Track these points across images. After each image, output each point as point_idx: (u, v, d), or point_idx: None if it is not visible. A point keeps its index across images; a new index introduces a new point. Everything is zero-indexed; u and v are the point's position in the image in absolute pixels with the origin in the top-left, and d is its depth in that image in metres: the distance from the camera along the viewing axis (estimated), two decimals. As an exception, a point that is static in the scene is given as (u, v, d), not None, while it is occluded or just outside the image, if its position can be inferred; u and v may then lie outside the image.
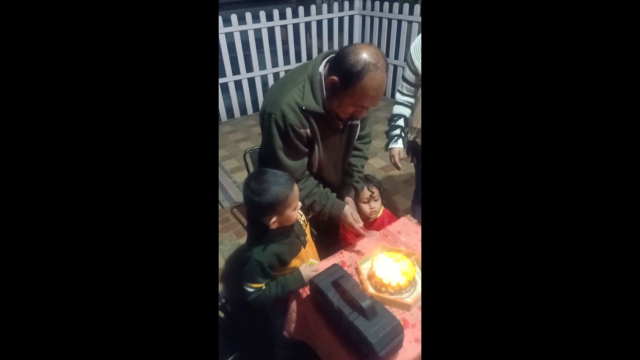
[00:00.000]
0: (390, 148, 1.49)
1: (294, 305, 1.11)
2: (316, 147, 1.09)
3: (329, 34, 3.79)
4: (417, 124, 1.48)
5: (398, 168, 1.50)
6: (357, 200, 1.38)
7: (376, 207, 1.39)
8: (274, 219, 0.94)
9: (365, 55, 0.89)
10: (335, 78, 0.93)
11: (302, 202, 1.13)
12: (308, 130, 1.03)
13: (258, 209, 0.94)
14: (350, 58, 0.89)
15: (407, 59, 1.40)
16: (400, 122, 1.47)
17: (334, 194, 1.21)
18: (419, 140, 1.49)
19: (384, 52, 3.70)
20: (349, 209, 1.19)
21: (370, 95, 0.94)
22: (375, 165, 2.74)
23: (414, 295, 1.01)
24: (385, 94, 3.98)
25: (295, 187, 0.97)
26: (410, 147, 1.55)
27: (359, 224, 1.19)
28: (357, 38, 3.95)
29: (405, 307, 0.99)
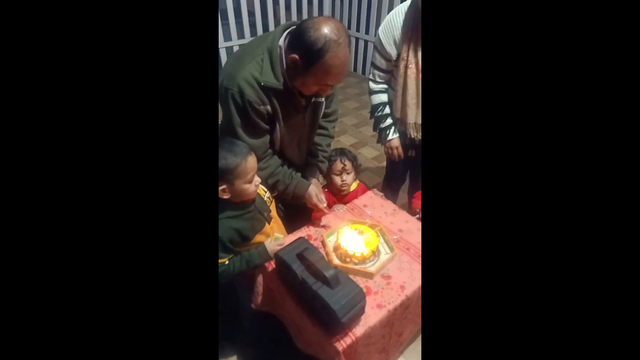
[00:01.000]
0: (388, 140, 1.43)
1: (260, 278, 1.12)
2: (277, 125, 1.05)
3: (298, 6, 3.65)
4: (410, 117, 1.37)
5: (400, 158, 1.45)
6: (329, 172, 1.37)
7: (348, 180, 1.39)
8: (222, 187, 0.91)
9: (325, 31, 0.84)
10: (296, 56, 0.88)
11: (266, 181, 1.11)
12: (268, 107, 0.98)
13: None
14: (310, 34, 0.84)
15: (376, 44, 1.32)
16: (387, 109, 1.40)
17: (298, 174, 1.19)
18: (417, 136, 1.39)
19: (355, 26, 3.63)
20: (313, 189, 1.18)
21: (334, 73, 0.89)
22: (367, 155, 2.62)
23: (377, 265, 1.05)
24: (356, 71, 3.94)
25: (250, 159, 0.93)
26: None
27: (323, 204, 1.18)
28: (327, 11, 3.84)
29: (369, 275, 1.02)
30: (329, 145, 1.31)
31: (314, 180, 1.23)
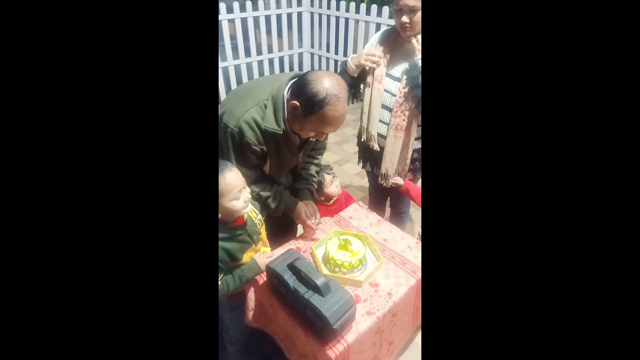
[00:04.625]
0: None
1: (251, 293, 1.13)
2: (269, 160, 1.11)
3: (278, 31, 3.79)
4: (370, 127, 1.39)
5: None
6: (323, 189, 1.43)
7: (339, 185, 1.49)
8: None
9: (327, 85, 0.91)
10: (297, 103, 0.95)
11: (259, 194, 1.15)
12: (264, 147, 1.06)
13: None
14: (312, 86, 0.91)
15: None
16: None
17: (287, 192, 1.26)
18: (373, 145, 1.41)
19: (334, 50, 3.80)
20: (302, 206, 1.23)
21: (331, 124, 0.96)
22: (350, 171, 2.69)
23: (365, 273, 1.08)
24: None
25: (229, 176, 0.92)
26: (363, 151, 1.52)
27: (311, 221, 1.23)
28: (306, 35, 4.00)
29: (357, 284, 1.05)
30: (317, 172, 1.38)
31: (305, 201, 1.29)
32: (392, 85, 1.30)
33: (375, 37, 1.38)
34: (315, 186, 1.39)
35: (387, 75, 1.30)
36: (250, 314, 1.14)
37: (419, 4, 1.13)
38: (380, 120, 1.36)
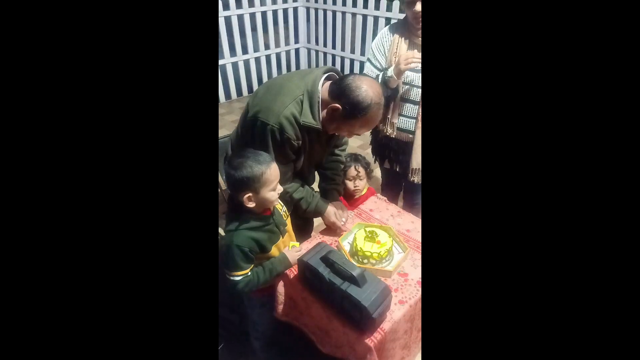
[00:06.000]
0: None
1: (280, 287, 1.13)
2: (303, 154, 1.14)
3: (275, 27, 3.76)
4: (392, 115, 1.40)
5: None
6: (343, 177, 1.45)
7: (360, 186, 1.47)
8: (248, 195, 0.94)
9: (371, 93, 0.96)
10: (339, 106, 0.99)
11: (291, 196, 1.18)
12: (300, 142, 1.08)
13: (234, 183, 0.95)
14: (357, 93, 0.96)
15: (369, 56, 1.39)
16: None
17: (318, 193, 1.29)
18: (391, 133, 1.43)
19: (330, 44, 3.79)
20: (332, 209, 1.26)
21: (368, 127, 1.05)
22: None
23: (393, 264, 1.10)
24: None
25: (274, 167, 0.98)
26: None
27: (340, 222, 1.25)
28: (302, 31, 3.98)
29: (387, 274, 1.07)
30: (341, 169, 1.41)
31: (334, 202, 1.32)
32: (414, 77, 1.31)
33: (385, 32, 1.38)
34: (342, 186, 1.41)
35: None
36: (280, 308, 1.15)
37: None
38: (402, 115, 1.37)
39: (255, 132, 1.07)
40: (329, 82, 1.05)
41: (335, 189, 1.38)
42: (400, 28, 1.35)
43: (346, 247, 1.17)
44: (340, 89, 0.99)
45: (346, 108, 0.98)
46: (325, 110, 1.03)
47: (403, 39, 1.33)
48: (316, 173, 1.39)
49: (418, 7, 1.19)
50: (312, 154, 1.18)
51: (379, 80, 1.33)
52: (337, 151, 1.36)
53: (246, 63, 3.73)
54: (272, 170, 0.96)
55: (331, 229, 1.27)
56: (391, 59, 1.34)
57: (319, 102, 1.02)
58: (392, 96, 1.34)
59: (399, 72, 1.25)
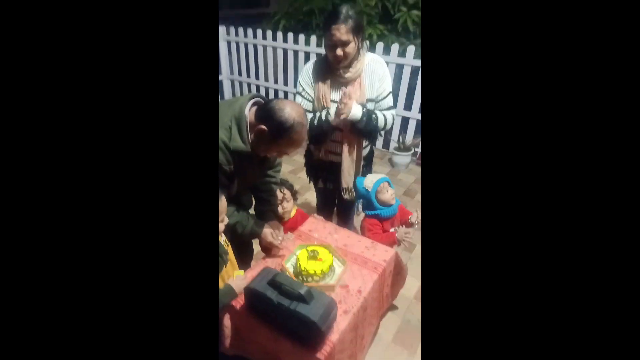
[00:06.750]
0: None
1: (226, 320, 1.12)
2: (236, 179, 1.18)
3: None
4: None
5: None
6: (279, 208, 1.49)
7: (288, 208, 1.53)
8: None
9: (294, 114, 1.05)
10: (265, 128, 1.05)
11: (227, 222, 1.17)
12: (232, 166, 1.12)
13: None
14: (281, 114, 1.03)
15: (299, 90, 1.50)
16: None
17: (253, 217, 1.32)
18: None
19: (254, 75, 3.91)
20: (268, 230, 1.30)
21: (295, 146, 1.12)
22: (305, 178, 2.66)
23: (335, 278, 1.18)
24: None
25: (222, 199, 1.01)
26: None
27: (277, 242, 1.30)
28: (224, 64, 4.04)
29: (330, 288, 1.14)
30: (275, 190, 1.46)
31: (271, 222, 1.35)
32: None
33: (308, 68, 1.49)
34: (277, 206, 1.46)
35: (332, 101, 1.45)
36: (227, 342, 1.13)
37: (350, 37, 1.29)
38: (331, 140, 1.51)
39: None
40: (255, 107, 1.12)
41: (271, 210, 1.42)
42: (323, 66, 1.46)
43: (290, 269, 1.22)
44: (265, 111, 1.07)
45: (272, 129, 1.05)
46: (253, 134, 1.10)
47: (326, 77, 1.45)
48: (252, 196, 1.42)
49: (339, 52, 1.31)
50: (246, 178, 1.22)
51: (322, 117, 1.44)
52: (270, 172, 1.40)
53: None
54: (222, 202, 0.98)
55: (269, 250, 1.31)
56: (319, 95, 1.46)
57: (247, 126, 1.09)
58: (329, 130, 1.46)
59: (338, 116, 1.39)
